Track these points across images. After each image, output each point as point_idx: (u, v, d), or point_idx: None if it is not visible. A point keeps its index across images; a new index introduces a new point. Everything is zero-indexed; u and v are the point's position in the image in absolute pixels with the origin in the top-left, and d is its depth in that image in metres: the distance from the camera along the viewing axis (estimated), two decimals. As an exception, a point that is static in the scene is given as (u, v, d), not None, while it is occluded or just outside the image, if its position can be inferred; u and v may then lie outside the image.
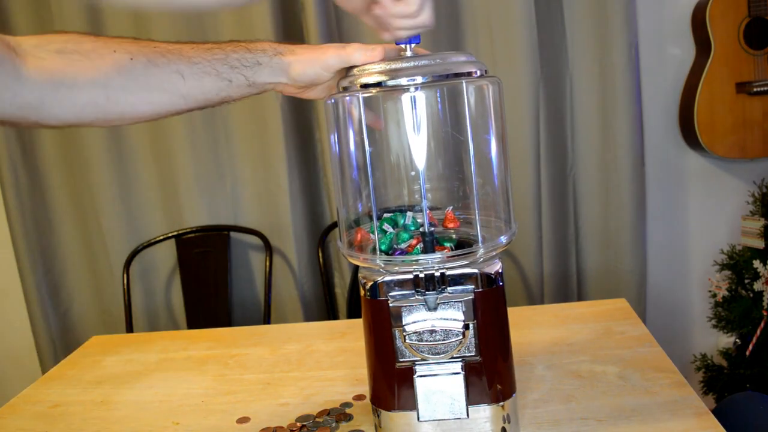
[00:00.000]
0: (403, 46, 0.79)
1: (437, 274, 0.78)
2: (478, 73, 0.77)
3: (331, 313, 2.15)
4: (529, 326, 1.21)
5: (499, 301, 0.81)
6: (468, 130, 0.78)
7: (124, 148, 2.15)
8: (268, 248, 2.09)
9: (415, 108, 0.77)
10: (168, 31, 2.01)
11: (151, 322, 2.26)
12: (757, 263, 1.94)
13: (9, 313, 2.43)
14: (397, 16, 0.78)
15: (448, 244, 0.81)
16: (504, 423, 0.82)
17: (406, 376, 0.81)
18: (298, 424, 0.95)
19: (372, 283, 0.80)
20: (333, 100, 0.83)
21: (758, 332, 1.90)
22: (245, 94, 0.83)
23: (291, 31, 2.01)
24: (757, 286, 1.94)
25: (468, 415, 0.80)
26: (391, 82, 0.75)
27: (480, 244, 0.80)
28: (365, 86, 0.76)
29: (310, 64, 0.80)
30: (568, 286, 2.12)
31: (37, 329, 2.27)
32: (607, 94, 2.01)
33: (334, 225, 2.10)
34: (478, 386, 0.81)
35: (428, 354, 0.79)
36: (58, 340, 2.31)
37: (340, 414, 0.97)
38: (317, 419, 0.96)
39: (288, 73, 0.81)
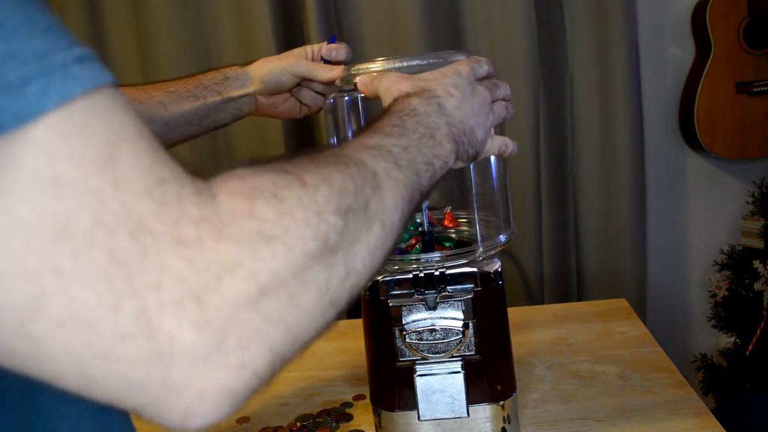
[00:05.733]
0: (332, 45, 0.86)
1: (437, 273, 0.78)
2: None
3: (331, 314, 2.14)
4: (529, 326, 1.21)
5: (499, 299, 0.81)
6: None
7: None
8: (268, 248, 2.08)
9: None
10: (168, 29, 2.01)
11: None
12: (757, 263, 1.94)
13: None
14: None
15: (447, 244, 0.81)
16: (504, 423, 0.82)
17: (406, 376, 0.81)
18: (298, 424, 0.95)
19: (371, 282, 0.80)
20: (332, 101, 0.83)
21: (758, 332, 1.90)
22: (226, 115, 0.88)
23: (291, 32, 2.01)
24: (757, 286, 1.94)
25: (468, 414, 0.80)
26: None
27: (479, 243, 0.80)
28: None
29: (274, 66, 0.86)
30: (568, 286, 2.12)
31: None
32: (607, 94, 2.01)
33: (334, 225, 2.09)
34: (478, 385, 0.81)
35: (428, 353, 0.79)
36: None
37: (340, 414, 0.96)
38: (317, 419, 0.96)
39: (253, 79, 0.87)
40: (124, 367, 0.30)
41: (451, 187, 0.88)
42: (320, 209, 0.37)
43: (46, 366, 0.30)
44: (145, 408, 0.31)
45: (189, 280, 0.30)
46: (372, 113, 0.82)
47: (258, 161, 0.39)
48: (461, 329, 0.78)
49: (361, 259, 0.40)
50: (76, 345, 0.29)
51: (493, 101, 0.68)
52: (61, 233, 0.29)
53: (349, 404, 0.99)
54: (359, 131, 0.53)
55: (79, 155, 0.30)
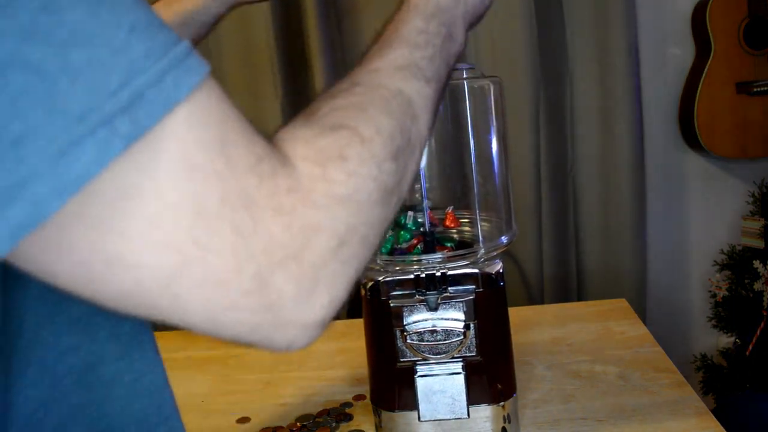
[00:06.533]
0: None
1: (438, 273, 0.78)
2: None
3: (331, 313, 2.14)
4: (529, 326, 1.21)
5: (500, 301, 0.81)
6: (469, 129, 0.78)
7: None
8: (268, 248, 2.08)
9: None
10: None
11: (152, 323, 2.26)
12: (757, 263, 1.94)
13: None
14: None
15: (449, 244, 0.81)
16: (504, 423, 0.82)
17: (407, 376, 0.81)
18: (298, 424, 0.95)
19: (373, 282, 0.80)
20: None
21: (758, 332, 1.90)
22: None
23: (291, 31, 2.01)
24: (757, 286, 1.94)
25: (468, 414, 0.80)
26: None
27: (481, 244, 0.80)
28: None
29: None
30: (568, 286, 2.12)
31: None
32: (607, 94, 2.01)
33: (334, 225, 2.09)
34: (478, 386, 0.81)
35: (429, 354, 0.79)
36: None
37: (340, 414, 0.97)
38: (317, 419, 0.96)
39: None
40: (246, 316, 0.37)
41: (453, 187, 0.88)
42: (379, 161, 0.43)
43: (185, 317, 0.36)
44: (259, 342, 0.39)
45: (288, 244, 0.37)
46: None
47: (308, 112, 0.44)
48: (462, 330, 0.78)
49: (407, 183, 0.47)
50: (211, 301, 0.36)
51: None
52: (199, 211, 0.34)
53: (349, 404, 0.99)
54: (384, 35, 0.54)
55: (203, 141, 0.34)
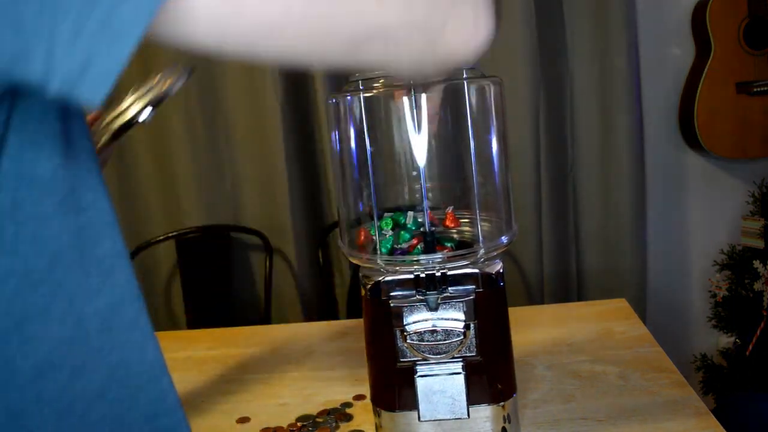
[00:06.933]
0: None
1: (438, 274, 0.78)
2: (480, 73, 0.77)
3: (331, 313, 2.14)
4: (529, 326, 1.21)
5: (500, 301, 0.81)
6: (469, 130, 0.78)
7: (123, 148, 2.15)
8: (268, 248, 2.08)
9: (417, 108, 0.77)
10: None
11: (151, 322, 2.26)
12: (757, 263, 1.94)
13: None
14: None
15: (449, 244, 0.81)
16: (504, 423, 0.82)
17: (407, 376, 0.81)
18: (298, 424, 0.95)
19: (373, 282, 0.80)
20: (334, 100, 0.83)
21: (758, 332, 1.90)
22: None
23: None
24: (757, 286, 1.94)
25: (468, 414, 0.80)
26: (393, 82, 0.75)
27: (481, 244, 0.80)
28: (367, 85, 0.76)
29: None
30: (568, 286, 2.12)
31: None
32: (607, 94, 2.01)
33: (335, 225, 2.10)
34: (478, 386, 0.81)
35: (429, 354, 0.79)
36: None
37: (340, 414, 0.97)
38: (317, 419, 0.96)
39: None
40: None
41: (453, 187, 0.88)
42: None
43: (391, 49, 0.40)
44: (440, 44, 0.41)
45: None
46: (373, 112, 0.82)
47: None
48: (462, 330, 0.78)
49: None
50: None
51: None
52: None
53: (349, 404, 0.99)
54: None
55: None
